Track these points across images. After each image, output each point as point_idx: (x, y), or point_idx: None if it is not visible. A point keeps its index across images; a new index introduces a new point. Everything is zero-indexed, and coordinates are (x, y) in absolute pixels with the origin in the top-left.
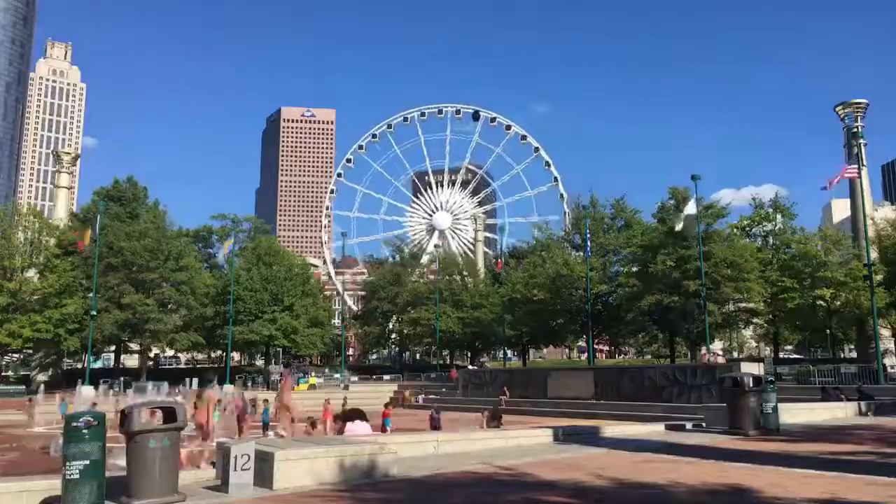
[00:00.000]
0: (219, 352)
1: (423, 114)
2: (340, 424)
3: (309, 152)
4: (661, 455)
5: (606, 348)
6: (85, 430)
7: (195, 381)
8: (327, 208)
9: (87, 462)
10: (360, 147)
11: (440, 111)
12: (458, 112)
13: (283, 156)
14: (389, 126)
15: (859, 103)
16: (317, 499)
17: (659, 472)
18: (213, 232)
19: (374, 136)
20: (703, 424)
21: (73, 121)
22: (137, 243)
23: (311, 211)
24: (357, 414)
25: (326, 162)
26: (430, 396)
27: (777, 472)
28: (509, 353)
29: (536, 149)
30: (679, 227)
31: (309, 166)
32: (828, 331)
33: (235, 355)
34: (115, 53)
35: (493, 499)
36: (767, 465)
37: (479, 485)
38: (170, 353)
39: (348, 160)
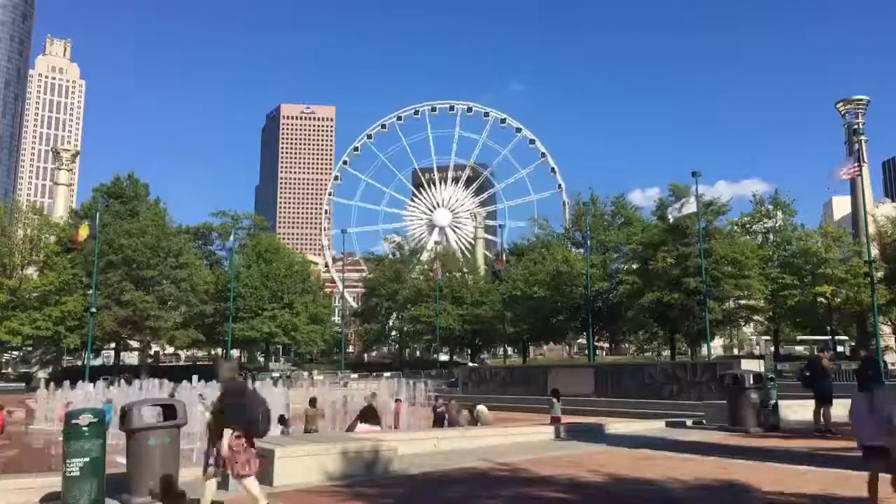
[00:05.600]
0: (219, 349)
1: (416, 112)
2: (352, 423)
3: (309, 149)
4: (660, 452)
5: (606, 345)
6: (85, 428)
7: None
8: (329, 193)
9: (88, 459)
10: (356, 149)
11: (417, 112)
12: (433, 109)
13: (282, 153)
14: (383, 126)
15: (860, 100)
16: (316, 495)
17: (657, 469)
18: (213, 229)
19: (368, 136)
20: (704, 421)
21: (73, 118)
22: (137, 240)
23: (311, 208)
24: (370, 414)
25: (326, 159)
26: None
27: (776, 468)
28: (509, 350)
29: (518, 129)
30: (674, 214)
31: (309, 163)
32: (828, 328)
33: (235, 352)
34: (115, 50)
35: (490, 493)
36: (767, 462)
37: (476, 480)
38: (170, 350)
39: (345, 162)
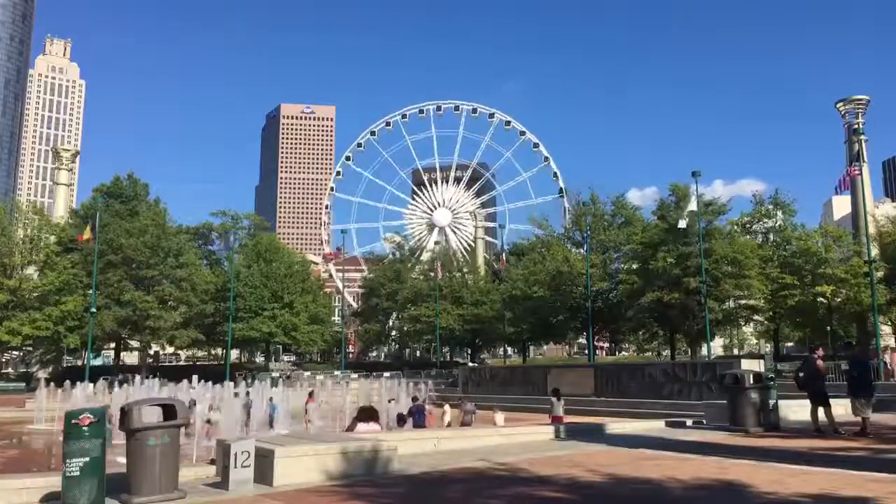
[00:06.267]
0: (219, 349)
1: (421, 111)
2: (351, 423)
3: (309, 149)
4: (660, 452)
5: (606, 345)
6: (85, 428)
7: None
8: (331, 188)
9: (88, 459)
10: (360, 145)
11: (422, 111)
12: (438, 108)
13: (282, 153)
14: (388, 124)
15: (860, 100)
16: (316, 495)
17: (657, 469)
18: (213, 229)
19: (372, 132)
20: (704, 421)
21: (73, 118)
22: (137, 240)
23: (311, 208)
24: (369, 413)
25: (326, 159)
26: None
27: (775, 468)
28: (509, 350)
29: (522, 132)
30: (683, 223)
31: (309, 163)
32: (828, 327)
33: (235, 352)
34: (115, 50)
35: (490, 493)
36: (766, 462)
37: (476, 480)
38: (170, 350)
39: (347, 157)
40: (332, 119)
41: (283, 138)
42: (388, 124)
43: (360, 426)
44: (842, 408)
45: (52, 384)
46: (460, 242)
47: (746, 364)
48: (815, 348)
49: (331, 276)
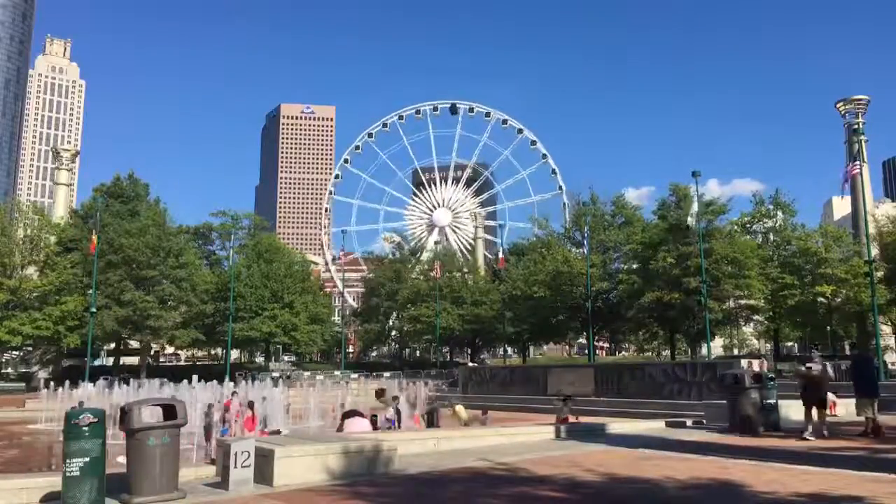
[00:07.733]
0: (219, 349)
1: (418, 111)
2: (340, 422)
3: (308, 149)
4: (659, 452)
5: (606, 345)
6: (85, 428)
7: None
8: (330, 192)
9: (88, 459)
10: (357, 147)
11: (419, 111)
12: (435, 108)
13: (282, 153)
14: (385, 125)
15: (860, 100)
16: (316, 494)
17: (656, 469)
18: (213, 229)
19: (370, 134)
20: (704, 421)
21: (73, 118)
22: (138, 240)
23: (311, 208)
24: (353, 411)
25: (326, 159)
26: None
27: (773, 468)
28: (509, 350)
29: (520, 130)
30: (692, 222)
31: (309, 163)
32: (828, 327)
33: (235, 352)
34: (115, 50)
35: (489, 493)
36: (766, 462)
37: (475, 480)
38: (170, 350)
39: (346, 160)
40: (331, 119)
41: (283, 138)
42: (385, 125)
43: (347, 422)
44: (843, 408)
45: (52, 384)
46: (460, 242)
47: (747, 363)
48: (808, 360)
49: (328, 269)
